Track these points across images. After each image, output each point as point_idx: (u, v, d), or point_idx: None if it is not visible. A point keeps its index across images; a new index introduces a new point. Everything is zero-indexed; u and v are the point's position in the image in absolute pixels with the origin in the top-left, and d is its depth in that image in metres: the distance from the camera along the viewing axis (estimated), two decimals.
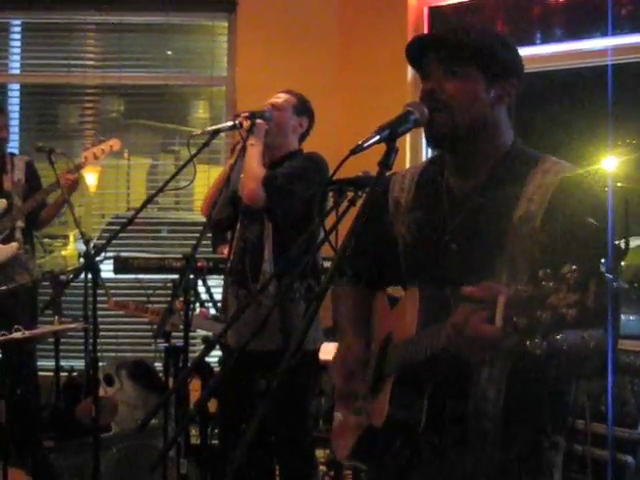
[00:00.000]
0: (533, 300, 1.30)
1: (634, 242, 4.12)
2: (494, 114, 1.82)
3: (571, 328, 1.28)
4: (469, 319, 1.46)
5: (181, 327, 3.19)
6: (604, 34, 4.69)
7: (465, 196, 1.83)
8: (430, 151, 4.86)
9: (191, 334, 3.34)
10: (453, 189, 1.87)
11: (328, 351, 3.10)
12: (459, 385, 1.74)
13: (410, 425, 1.72)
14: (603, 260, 1.30)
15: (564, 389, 1.82)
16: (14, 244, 4.43)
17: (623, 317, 5.24)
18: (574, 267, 1.27)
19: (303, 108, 3.52)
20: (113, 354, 5.08)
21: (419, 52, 1.83)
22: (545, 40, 4.91)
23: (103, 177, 5.93)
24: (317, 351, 3.31)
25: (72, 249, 6.41)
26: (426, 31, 5.08)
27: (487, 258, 1.64)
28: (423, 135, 1.83)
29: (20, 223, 4.52)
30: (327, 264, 3.71)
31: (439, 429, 1.77)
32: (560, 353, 1.40)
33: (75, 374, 4.76)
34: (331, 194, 3.24)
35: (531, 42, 4.92)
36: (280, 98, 3.49)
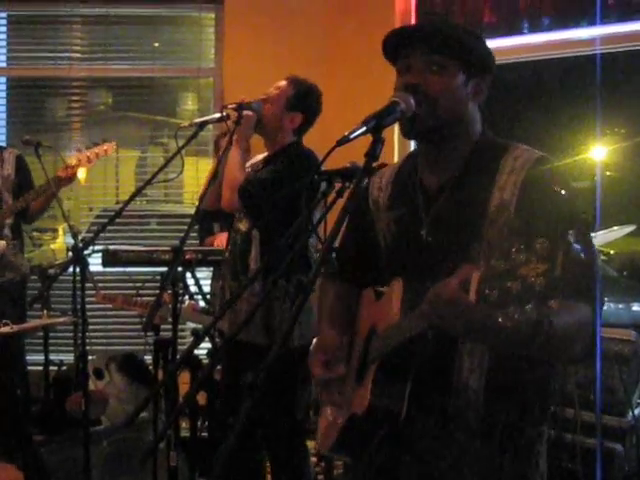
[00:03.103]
0: (505, 273, 1.31)
1: (622, 231, 4.14)
2: (469, 108, 1.84)
3: (540, 297, 1.29)
4: (442, 289, 1.47)
5: (170, 320, 3.18)
6: (592, 23, 4.69)
7: (438, 190, 1.85)
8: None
9: (180, 327, 3.33)
10: (426, 184, 1.88)
11: None
12: (441, 374, 1.75)
13: (392, 414, 1.72)
14: (571, 231, 1.31)
15: (548, 375, 1.82)
16: (2, 242, 4.40)
17: (612, 306, 5.27)
18: (543, 240, 1.29)
19: (298, 102, 3.38)
20: (102, 347, 5.07)
21: (400, 44, 1.83)
22: (533, 29, 4.90)
23: (92, 170, 5.89)
24: (304, 347, 3.30)
25: (61, 242, 6.41)
26: (414, 20, 5.07)
27: (465, 249, 1.65)
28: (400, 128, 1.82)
29: (9, 220, 4.50)
30: None
31: (422, 419, 1.77)
32: (547, 330, 1.41)
33: (64, 368, 4.75)
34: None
35: (518, 31, 4.91)
36: (277, 89, 3.38)
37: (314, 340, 2.07)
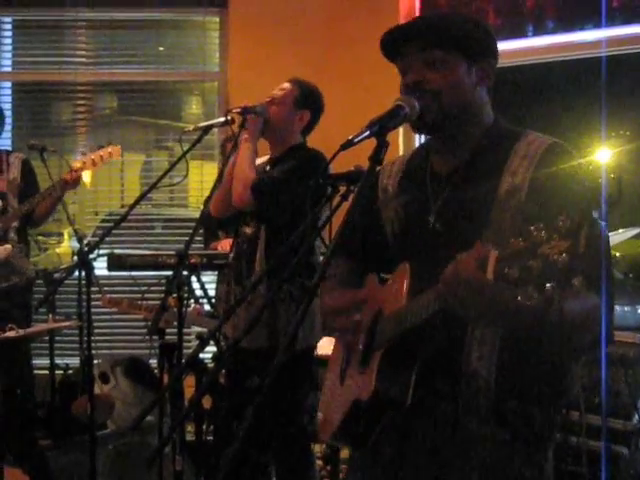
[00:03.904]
0: (525, 251, 1.29)
1: (627, 233, 4.14)
2: (476, 95, 1.83)
3: (563, 275, 1.27)
4: (460, 267, 1.46)
5: (175, 324, 3.19)
6: (597, 26, 4.69)
7: (448, 176, 1.84)
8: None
9: (185, 330, 3.33)
10: (436, 171, 1.88)
11: (326, 346, 3.10)
12: (449, 361, 1.74)
13: (397, 401, 1.71)
14: (596, 208, 1.30)
15: (560, 363, 1.80)
16: (8, 246, 4.41)
17: (617, 308, 5.26)
18: (566, 217, 1.27)
19: (306, 100, 3.42)
20: (108, 351, 5.07)
21: (396, 45, 1.83)
22: (537, 32, 4.90)
23: (97, 174, 5.90)
24: (309, 349, 3.30)
25: (66, 247, 6.40)
26: None
27: (474, 235, 1.64)
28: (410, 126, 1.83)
29: (15, 223, 4.51)
30: None
31: (430, 405, 1.77)
32: (560, 314, 1.40)
33: (70, 372, 4.76)
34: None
35: (523, 34, 4.91)
36: (282, 90, 3.41)
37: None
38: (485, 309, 1.49)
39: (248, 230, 3.41)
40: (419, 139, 4.97)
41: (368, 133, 1.64)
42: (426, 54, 1.78)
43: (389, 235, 1.96)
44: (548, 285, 1.28)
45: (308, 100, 3.44)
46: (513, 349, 1.72)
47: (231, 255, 3.51)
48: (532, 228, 1.29)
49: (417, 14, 5.14)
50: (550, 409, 1.79)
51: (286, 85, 3.44)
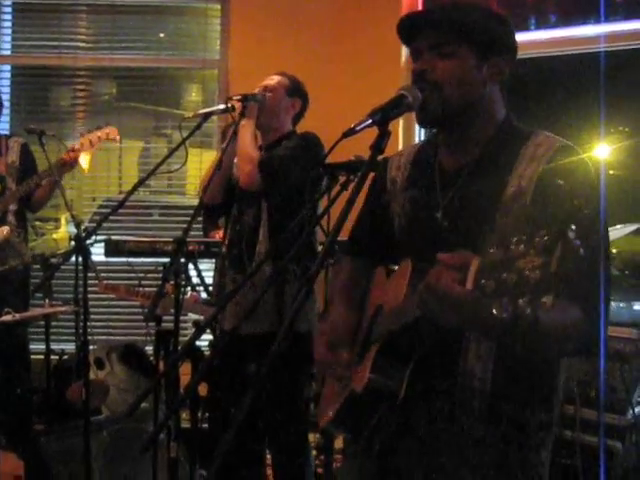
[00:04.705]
0: (501, 264, 1.29)
1: (625, 229, 4.13)
2: (486, 91, 1.81)
3: (534, 292, 1.27)
4: (440, 279, 1.45)
5: (172, 311, 3.18)
6: (597, 21, 4.68)
7: (456, 173, 1.83)
8: (423, 133, 4.86)
9: (182, 318, 3.33)
10: (445, 167, 1.87)
11: None
12: (446, 359, 1.75)
13: (390, 394, 1.72)
14: (572, 226, 1.29)
15: (552, 368, 1.81)
16: (6, 228, 4.40)
17: (613, 304, 5.26)
18: (545, 232, 1.27)
19: (296, 89, 3.51)
20: (104, 337, 5.07)
21: (410, 31, 1.83)
22: (539, 26, 4.90)
23: (95, 160, 5.87)
24: (311, 333, 3.31)
25: (64, 232, 6.39)
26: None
27: (478, 235, 1.63)
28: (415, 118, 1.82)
29: (13, 206, 4.50)
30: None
31: (426, 402, 1.77)
32: (535, 327, 1.40)
33: (66, 357, 4.75)
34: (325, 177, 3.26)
35: (525, 28, 4.91)
36: (273, 80, 3.50)
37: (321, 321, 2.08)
38: (461, 321, 1.50)
39: (247, 217, 3.41)
40: (419, 130, 4.97)
41: (370, 122, 1.63)
42: (435, 44, 1.77)
43: (396, 228, 1.96)
44: (521, 300, 1.28)
45: (298, 89, 3.53)
46: (509, 352, 1.70)
47: (225, 244, 3.50)
48: (514, 240, 1.29)
49: (420, 3, 5.13)
50: (544, 409, 1.79)
51: (276, 76, 3.53)
